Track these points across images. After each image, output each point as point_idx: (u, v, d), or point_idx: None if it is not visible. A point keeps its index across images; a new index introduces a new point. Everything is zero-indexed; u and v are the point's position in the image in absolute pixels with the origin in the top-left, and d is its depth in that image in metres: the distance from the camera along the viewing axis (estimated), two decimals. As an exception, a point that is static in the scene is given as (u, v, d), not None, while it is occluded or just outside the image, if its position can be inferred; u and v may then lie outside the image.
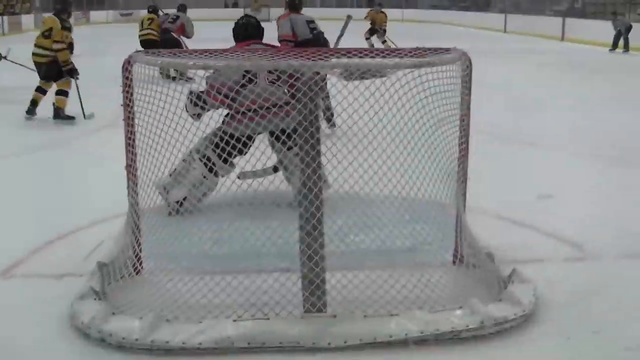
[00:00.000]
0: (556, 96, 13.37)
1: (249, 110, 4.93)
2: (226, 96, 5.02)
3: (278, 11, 44.51)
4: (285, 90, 4.85)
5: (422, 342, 3.89)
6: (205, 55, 4.46)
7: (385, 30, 24.54)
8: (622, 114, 12.05)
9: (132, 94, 4.54)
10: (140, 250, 4.72)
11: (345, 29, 8.81)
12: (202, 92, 5.40)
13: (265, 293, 4.23)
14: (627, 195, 6.93)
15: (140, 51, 4.67)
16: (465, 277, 4.61)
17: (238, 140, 4.90)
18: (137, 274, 4.69)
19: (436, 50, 4.84)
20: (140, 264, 4.73)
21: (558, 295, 4.50)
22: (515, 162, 8.34)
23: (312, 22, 10.19)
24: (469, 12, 42.91)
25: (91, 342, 3.94)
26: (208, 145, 5.66)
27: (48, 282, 4.81)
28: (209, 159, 5.67)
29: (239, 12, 44.81)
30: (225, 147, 4.88)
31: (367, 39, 24.60)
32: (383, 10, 25.16)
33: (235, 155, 5.16)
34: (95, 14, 46.88)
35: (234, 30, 6.50)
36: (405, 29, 36.32)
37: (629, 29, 24.44)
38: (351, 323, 3.92)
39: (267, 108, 4.82)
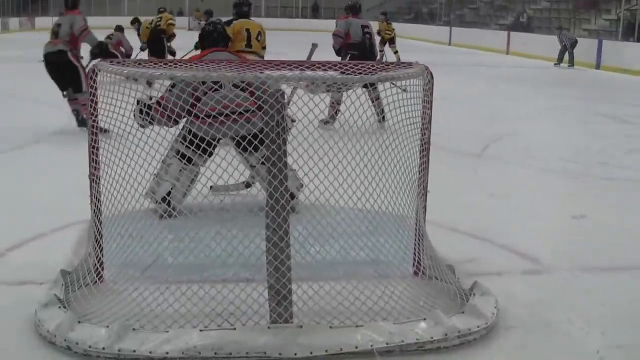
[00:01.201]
0: (507, 108, 13.56)
1: (208, 116, 4.96)
2: (171, 114, 5.04)
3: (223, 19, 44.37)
4: (247, 96, 4.86)
5: (387, 353, 3.93)
6: (172, 65, 4.47)
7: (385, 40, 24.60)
8: (570, 127, 12.28)
9: (96, 102, 4.53)
10: (102, 258, 4.71)
11: (311, 57, 8.78)
12: (150, 104, 5.37)
13: (231, 303, 4.23)
14: (578, 208, 7.06)
15: (105, 59, 4.65)
16: (427, 289, 4.66)
17: (202, 139, 4.93)
18: (99, 282, 4.67)
19: (399, 64, 4.91)
20: (102, 272, 4.72)
21: (517, 307, 4.58)
22: (470, 175, 8.43)
23: (367, 27, 11.61)
24: (414, 25, 43.19)
25: (57, 351, 3.91)
26: (177, 139, 5.69)
27: (7, 289, 4.79)
28: (182, 154, 5.66)
29: (184, 20, 44.76)
30: (190, 146, 4.93)
31: (380, 50, 24.30)
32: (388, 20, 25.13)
33: (200, 155, 5.17)
34: (40, 20, 46.25)
35: (200, 36, 6.52)
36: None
37: (574, 44, 24.84)
38: (317, 334, 3.94)
39: (226, 115, 4.84)
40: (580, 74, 22.98)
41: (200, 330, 3.93)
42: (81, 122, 10.09)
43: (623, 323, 4.51)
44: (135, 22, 19.10)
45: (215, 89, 5.04)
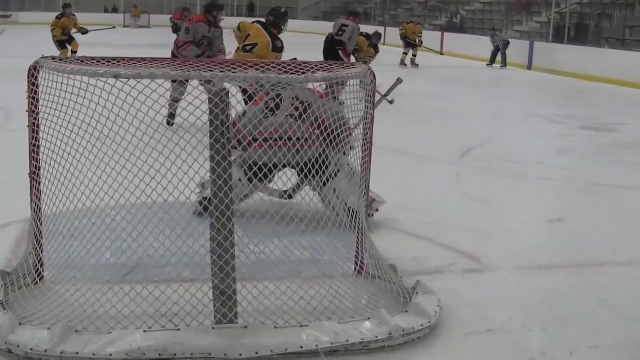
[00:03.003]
0: (443, 109, 13.66)
1: (265, 140, 5.10)
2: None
3: (158, 18, 44.09)
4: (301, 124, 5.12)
5: (332, 352, 3.93)
6: (115, 64, 4.41)
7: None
8: (505, 127, 12.43)
9: (37, 101, 4.46)
10: (43, 258, 4.64)
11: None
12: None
13: (175, 304, 4.20)
14: (518, 208, 7.17)
15: (47, 56, 4.58)
16: (371, 288, 4.68)
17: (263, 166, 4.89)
18: (39, 281, 4.60)
19: (342, 65, 4.92)
20: (43, 271, 4.64)
21: (459, 306, 4.62)
22: (407, 174, 8.48)
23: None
24: (348, 24, 43.27)
25: (-3, 353, 3.85)
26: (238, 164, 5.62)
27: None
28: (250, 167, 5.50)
29: (119, 17, 44.28)
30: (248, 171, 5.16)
31: (404, 53, 24.20)
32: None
33: (260, 179, 5.11)
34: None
35: None
36: (285, 38, 36.53)
37: (506, 44, 25.14)
38: (262, 334, 3.93)
39: (276, 140, 4.91)
40: (513, 74, 23.26)
41: (144, 332, 3.89)
42: None
43: (563, 320, 4.58)
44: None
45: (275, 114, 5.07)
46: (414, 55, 24.23)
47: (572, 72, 21.70)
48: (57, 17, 18.85)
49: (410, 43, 24.34)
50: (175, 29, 20.89)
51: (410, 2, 41.66)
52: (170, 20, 22.43)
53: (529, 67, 24.67)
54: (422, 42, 24.53)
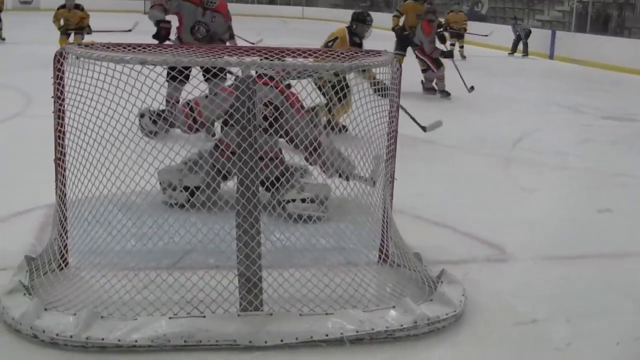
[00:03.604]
0: (462, 98, 13.58)
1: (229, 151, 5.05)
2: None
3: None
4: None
5: (357, 340, 3.93)
6: (141, 50, 4.41)
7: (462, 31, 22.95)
8: (527, 116, 12.36)
9: (63, 86, 4.47)
10: (67, 244, 4.64)
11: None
12: (169, 109, 5.30)
13: (201, 290, 4.19)
14: (539, 198, 7.13)
15: (72, 43, 4.59)
16: (395, 277, 4.67)
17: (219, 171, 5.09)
18: (64, 267, 4.61)
19: (367, 53, 4.90)
20: (67, 257, 4.65)
21: (483, 295, 4.61)
22: (429, 163, 8.44)
23: None
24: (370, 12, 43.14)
25: (22, 339, 3.85)
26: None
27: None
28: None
29: (139, 4, 44.26)
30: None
31: (452, 45, 21.50)
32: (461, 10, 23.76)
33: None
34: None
35: None
36: (305, 25, 36.66)
37: (528, 34, 25.01)
38: (287, 322, 3.93)
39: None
40: (535, 63, 23.15)
41: (170, 318, 3.90)
42: None
43: (587, 310, 4.57)
44: None
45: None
46: (461, 47, 22.80)
47: (594, 61, 21.58)
48: (58, 7, 17.38)
49: (456, 33, 22.72)
50: None
51: (433, -11, 41.54)
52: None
53: (551, 57, 24.55)
54: (466, 30, 23.15)
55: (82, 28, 17.01)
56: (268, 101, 5.34)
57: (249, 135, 4.03)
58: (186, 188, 5.56)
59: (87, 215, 4.54)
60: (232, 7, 9.79)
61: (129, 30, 15.15)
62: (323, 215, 5.53)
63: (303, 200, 5.57)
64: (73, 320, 3.85)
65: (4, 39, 21.01)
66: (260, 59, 4.26)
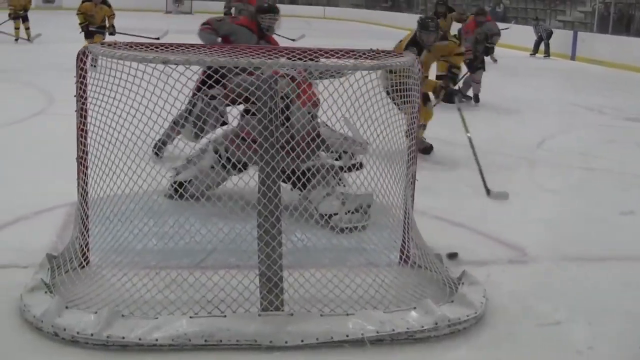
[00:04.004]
0: (482, 98, 13.52)
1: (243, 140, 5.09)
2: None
3: (201, 4, 44.22)
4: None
5: (377, 341, 3.93)
6: (164, 49, 4.42)
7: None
8: (548, 117, 12.31)
9: (86, 85, 4.48)
10: (88, 243, 4.66)
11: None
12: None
13: (222, 290, 4.19)
14: (562, 199, 7.10)
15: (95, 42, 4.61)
16: (416, 278, 4.65)
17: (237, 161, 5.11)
18: (86, 265, 4.62)
19: (389, 53, 4.89)
20: (88, 255, 4.66)
21: (504, 297, 4.60)
22: (452, 164, 8.40)
23: None
24: (391, 12, 43.11)
25: (43, 337, 3.87)
26: (224, 144, 5.65)
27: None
28: (220, 155, 5.66)
29: (161, 3, 44.36)
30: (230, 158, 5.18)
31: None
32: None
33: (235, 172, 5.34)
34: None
35: None
36: (326, 25, 36.69)
37: (549, 34, 24.90)
38: (308, 322, 3.93)
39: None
40: (556, 64, 23.04)
41: (190, 317, 3.91)
42: None
43: (608, 313, 4.54)
44: None
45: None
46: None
47: (616, 62, 21.47)
48: (84, 0, 15.83)
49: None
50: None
51: (453, -11, 41.43)
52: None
53: (572, 57, 24.41)
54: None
55: (104, 27, 15.67)
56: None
57: (271, 135, 4.03)
58: (180, 184, 5.68)
59: (109, 213, 4.55)
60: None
61: (157, 39, 13.86)
62: (367, 224, 5.53)
63: (332, 200, 5.59)
64: (94, 318, 3.86)
65: (30, 41, 20.82)
66: (282, 60, 4.25)
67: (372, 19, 42.33)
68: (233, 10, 10.71)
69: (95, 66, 4.45)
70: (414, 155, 4.86)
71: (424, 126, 8.50)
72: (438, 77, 10.50)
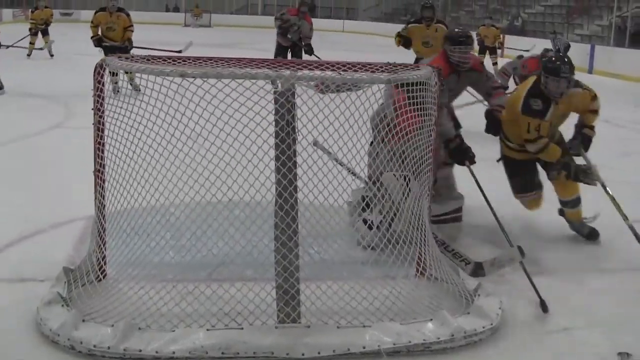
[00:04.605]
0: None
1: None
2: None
3: (219, 17, 44.38)
4: None
5: (394, 353, 3.93)
6: (181, 63, 4.43)
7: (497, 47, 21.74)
8: (565, 129, 12.23)
9: (103, 99, 4.51)
10: (105, 256, 4.67)
11: None
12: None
13: (239, 302, 4.20)
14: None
15: (112, 55, 4.63)
16: (433, 290, 4.66)
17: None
18: (103, 278, 4.64)
19: (406, 66, 4.89)
20: (105, 269, 4.69)
21: (519, 308, 4.61)
22: (467, 176, 8.36)
23: None
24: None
25: (59, 350, 3.90)
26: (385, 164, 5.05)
27: (7, 287, 4.77)
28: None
29: (179, 16, 44.55)
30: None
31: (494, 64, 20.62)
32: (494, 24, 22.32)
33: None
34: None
35: None
36: (345, 38, 36.77)
37: (567, 48, 24.80)
38: (325, 334, 3.94)
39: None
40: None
41: (207, 330, 3.92)
42: None
43: (626, 325, 4.54)
44: None
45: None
46: (494, 63, 21.43)
47: (633, 75, 21.41)
48: (97, 10, 13.94)
49: (487, 47, 21.70)
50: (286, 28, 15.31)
51: (471, 4, 41.34)
52: (278, 20, 15.24)
53: (590, 71, 24.36)
54: (500, 46, 22.39)
55: (122, 43, 13.40)
56: None
57: (288, 148, 4.04)
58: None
59: (126, 227, 4.56)
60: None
61: (179, 52, 12.24)
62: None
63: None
64: (111, 331, 3.88)
65: (52, 56, 20.58)
66: (299, 72, 4.25)
67: (391, 32, 42.42)
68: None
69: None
70: (431, 167, 4.86)
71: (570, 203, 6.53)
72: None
